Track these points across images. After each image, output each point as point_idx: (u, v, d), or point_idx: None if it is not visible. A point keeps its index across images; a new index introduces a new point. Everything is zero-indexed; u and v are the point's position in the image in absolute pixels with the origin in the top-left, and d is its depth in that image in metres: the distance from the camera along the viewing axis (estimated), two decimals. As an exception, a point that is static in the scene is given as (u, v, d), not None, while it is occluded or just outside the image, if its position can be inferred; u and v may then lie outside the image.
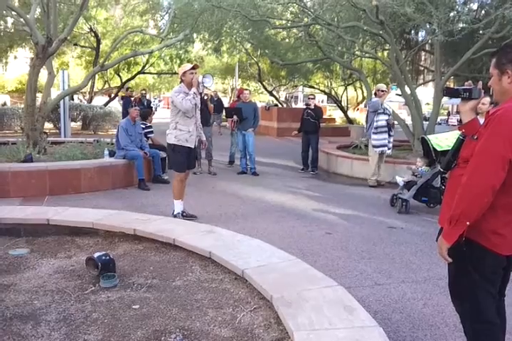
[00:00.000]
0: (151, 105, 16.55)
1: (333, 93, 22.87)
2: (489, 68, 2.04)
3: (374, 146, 7.54)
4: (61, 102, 11.48)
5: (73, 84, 16.98)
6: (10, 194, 6.14)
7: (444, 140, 5.33)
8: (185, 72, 5.05)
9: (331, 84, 22.84)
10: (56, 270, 3.27)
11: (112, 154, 7.32)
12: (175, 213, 5.22)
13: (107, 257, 3.09)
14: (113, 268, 3.09)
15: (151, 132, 8.45)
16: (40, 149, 7.69)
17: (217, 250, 3.36)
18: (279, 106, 22.73)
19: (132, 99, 14.17)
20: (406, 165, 7.03)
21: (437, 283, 3.58)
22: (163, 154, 7.59)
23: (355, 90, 23.87)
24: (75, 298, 2.80)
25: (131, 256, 3.57)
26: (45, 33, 7.81)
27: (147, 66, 20.27)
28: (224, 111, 11.54)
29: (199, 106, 5.23)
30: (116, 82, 22.09)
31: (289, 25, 11.33)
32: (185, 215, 5.24)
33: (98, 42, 17.26)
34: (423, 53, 14.48)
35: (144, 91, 16.03)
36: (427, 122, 10.16)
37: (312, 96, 9.54)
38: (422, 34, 12.49)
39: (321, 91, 23.52)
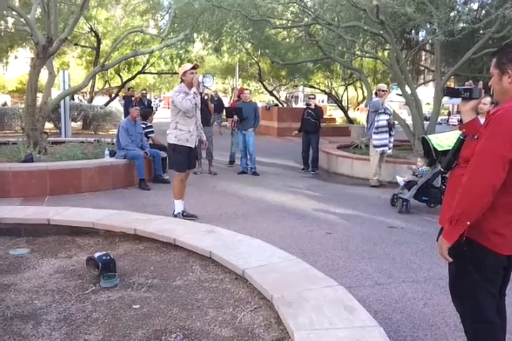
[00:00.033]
0: (152, 105, 16.56)
1: (333, 93, 22.87)
2: (490, 68, 2.04)
3: (375, 146, 7.54)
4: (62, 102, 11.49)
5: (74, 84, 16.96)
6: (10, 194, 6.14)
7: (444, 140, 5.33)
8: (185, 72, 5.05)
9: (331, 84, 22.84)
10: (57, 270, 3.27)
11: (112, 154, 7.32)
12: (175, 213, 5.23)
13: (108, 257, 3.10)
14: (113, 268, 3.09)
15: (152, 132, 8.45)
16: (41, 149, 7.70)
17: (217, 250, 3.36)
18: (280, 106, 22.74)
19: (133, 98, 14.18)
20: (406, 164, 7.04)
21: (438, 282, 3.58)
22: (163, 154, 7.59)
23: (356, 90, 23.87)
24: (75, 297, 2.80)
25: (131, 255, 3.58)
26: (45, 33, 7.81)
27: (147, 66, 20.28)
28: (224, 111, 11.54)
29: (199, 106, 5.24)
30: (116, 82, 22.10)
31: (289, 25, 11.33)
32: (186, 215, 5.24)
33: (98, 42, 17.27)
34: (423, 53, 14.49)
35: (144, 91, 16.04)
36: (428, 122, 10.15)
37: (312, 96, 9.54)
38: (422, 34, 12.52)
39: (322, 91, 23.52)
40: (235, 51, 16.91)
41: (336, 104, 24.38)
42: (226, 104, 17.46)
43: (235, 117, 8.69)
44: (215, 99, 16.51)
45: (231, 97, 29.17)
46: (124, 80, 20.41)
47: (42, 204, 5.78)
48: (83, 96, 25.20)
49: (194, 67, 5.07)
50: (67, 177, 6.53)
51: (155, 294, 2.87)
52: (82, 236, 3.99)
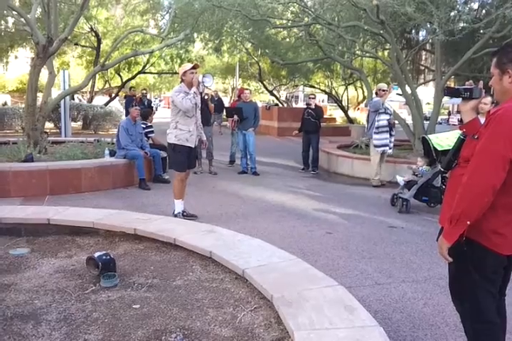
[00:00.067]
0: (152, 105, 16.56)
1: (333, 93, 22.86)
2: (490, 68, 2.04)
3: (375, 146, 7.54)
4: (62, 102, 11.49)
5: (74, 83, 16.95)
6: (10, 193, 6.14)
7: (444, 139, 5.32)
8: (185, 72, 5.05)
9: (331, 84, 22.83)
10: (57, 269, 3.27)
11: (112, 154, 7.32)
12: (175, 213, 5.23)
13: (108, 257, 3.09)
14: (113, 267, 3.09)
15: (152, 132, 8.45)
16: (41, 149, 7.70)
17: (217, 250, 3.35)
18: (280, 105, 22.74)
19: (134, 98, 14.18)
20: (407, 164, 7.04)
21: (438, 282, 3.58)
22: (163, 154, 7.59)
23: (356, 90, 23.86)
24: (75, 297, 2.80)
25: (131, 255, 3.57)
26: (45, 33, 7.81)
27: (148, 66, 20.28)
28: (224, 110, 11.54)
29: (199, 105, 5.24)
30: (116, 82, 22.10)
31: (289, 24, 11.33)
32: (186, 215, 5.24)
33: (99, 41, 17.27)
34: (424, 53, 14.48)
35: (144, 91, 16.03)
36: (428, 122, 10.15)
37: (313, 96, 9.53)
38: (422, 33, 12.53)
39: (322, 90, 23.51)
40: (235, 51, 16.92)
41: (336, 104, 24.37)
42: (226, 104, 17.45)
43: (235, 117, 8.69)
44: (215, 98, 16.50)
45: (231, 97, 29.16)
46: (124, 80, 20.41)
47: (42, 203, 5.78)
48: (82, 95, 25.20)
49: (194, 67, 5.07)
50: (67, 177, 6.53)
51: (155, 294, 2.87)
52: (82, 235, 3.99)
